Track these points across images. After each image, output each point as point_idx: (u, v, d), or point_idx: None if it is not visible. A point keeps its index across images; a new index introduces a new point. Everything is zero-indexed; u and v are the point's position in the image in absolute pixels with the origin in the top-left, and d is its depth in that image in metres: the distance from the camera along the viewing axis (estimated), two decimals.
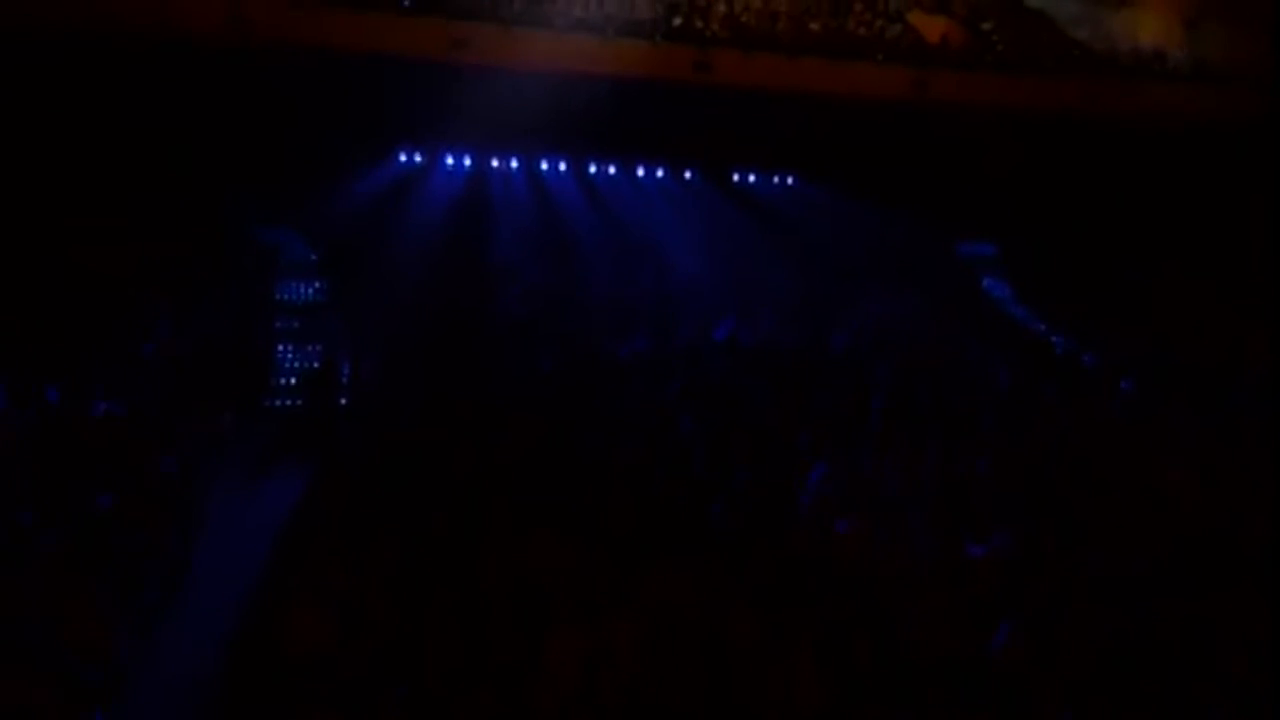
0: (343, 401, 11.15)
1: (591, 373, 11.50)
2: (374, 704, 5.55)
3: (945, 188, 14.59)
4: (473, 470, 8.14)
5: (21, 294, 10.09)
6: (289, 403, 11.44)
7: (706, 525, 7.61)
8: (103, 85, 10.71)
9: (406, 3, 11.16)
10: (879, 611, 6.55)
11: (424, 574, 6.67)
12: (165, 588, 6.91)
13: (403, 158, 14.18)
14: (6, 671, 5.13)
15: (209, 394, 9.83)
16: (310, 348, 12.12)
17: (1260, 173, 12.67)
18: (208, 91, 11.17)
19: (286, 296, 13.06)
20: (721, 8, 12.71)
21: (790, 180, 16.17)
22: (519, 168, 14.83)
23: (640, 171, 15.38)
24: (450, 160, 14.44)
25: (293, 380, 11.72)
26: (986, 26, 14.04)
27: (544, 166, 14.92)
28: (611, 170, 15.20)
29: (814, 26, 13.09)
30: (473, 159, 14.53)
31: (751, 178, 15.96)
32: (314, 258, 13.62)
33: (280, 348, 12.10)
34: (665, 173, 15.50)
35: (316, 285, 13.22)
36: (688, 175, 15.59)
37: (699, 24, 12.30)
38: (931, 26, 13.78)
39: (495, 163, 14.68)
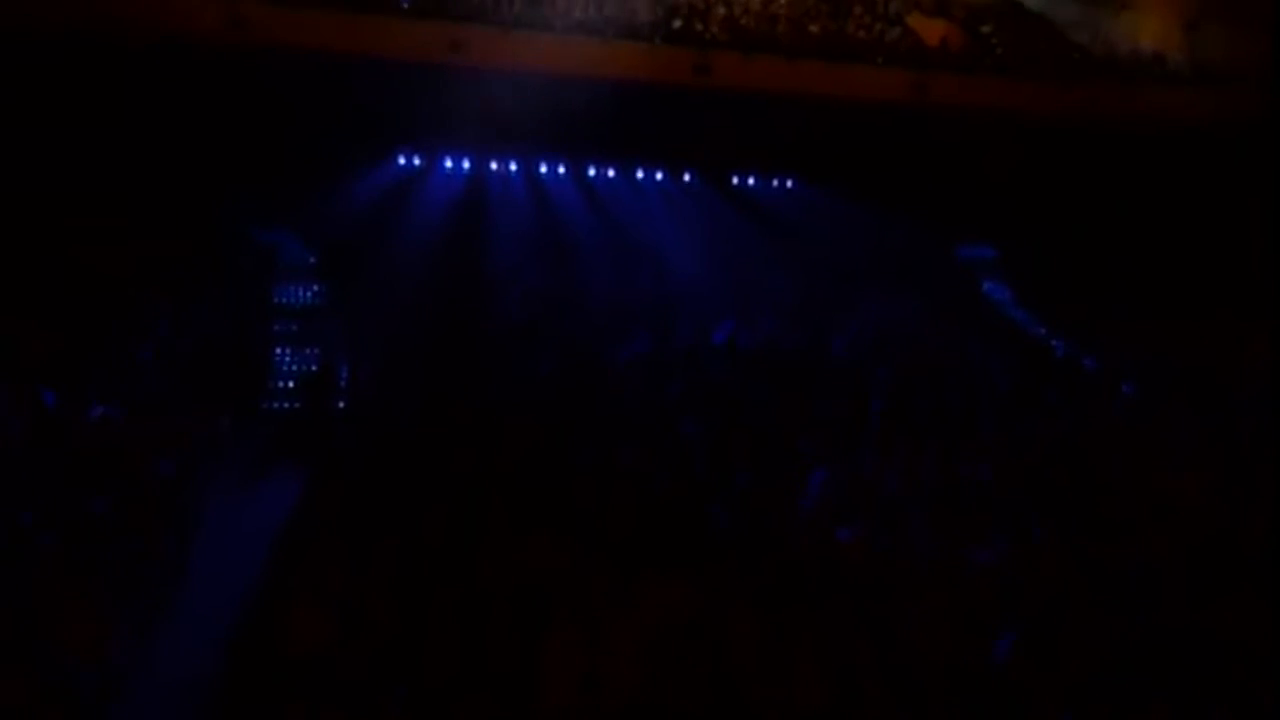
0: (340, 405, 11.12)
1: (591, 375, 11.47)
2: (373, 705, 5.53)
3: (945, 191, 14.57)
4: (471, 473, 8.12)
5: (17, 296, 10.04)
6: (287, 406, 11.40)
7: (706, 529, 7.58)
8: (100, 86, 10.68)
9: (405, 5, 11.15)
10: (881, 617, 6.53)
11: (423, 576, 6.65)
12: (162, 591, 6.87)
13: (401, 160, 14.15)
14: (3, 675, 5.09)
15: (206, 397, 9.79)
16: (308, 351, 12.08)
17: (1260, 176, 12.65)
18: (205, 93, 11.14)
19: (284, 299, 13.02)
20: (721, 10, 12.70)
21: (790, 183, 16.14)
22: (518, 170, 14.80)
23: (639, 174, 15.35)
24: (449, 163, 14.41)
25: (290, 383, 11.68)
26: (986, 30, 14.05)
27: (543, 169, 14.90)
28: (610, 173, 15.18)
29: (813, 29, 13.09)
30: (471, 162, 14.50)
31: (751, 180, 15.93)
32: (312, 260, 13.59)
33: (278, 350, 12.06)
34: (664, 175, 15.48)
35: (314, 288, 13.19)
36: (687, 178, 15.56)
37: (698, 27, 12.29)
38: (931, 29, 13.79)
39: (494, 165, 14.65)
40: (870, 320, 14.39)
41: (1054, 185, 14.31)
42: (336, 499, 7.80)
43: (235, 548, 7.61)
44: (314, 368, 11.75)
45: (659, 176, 15.44)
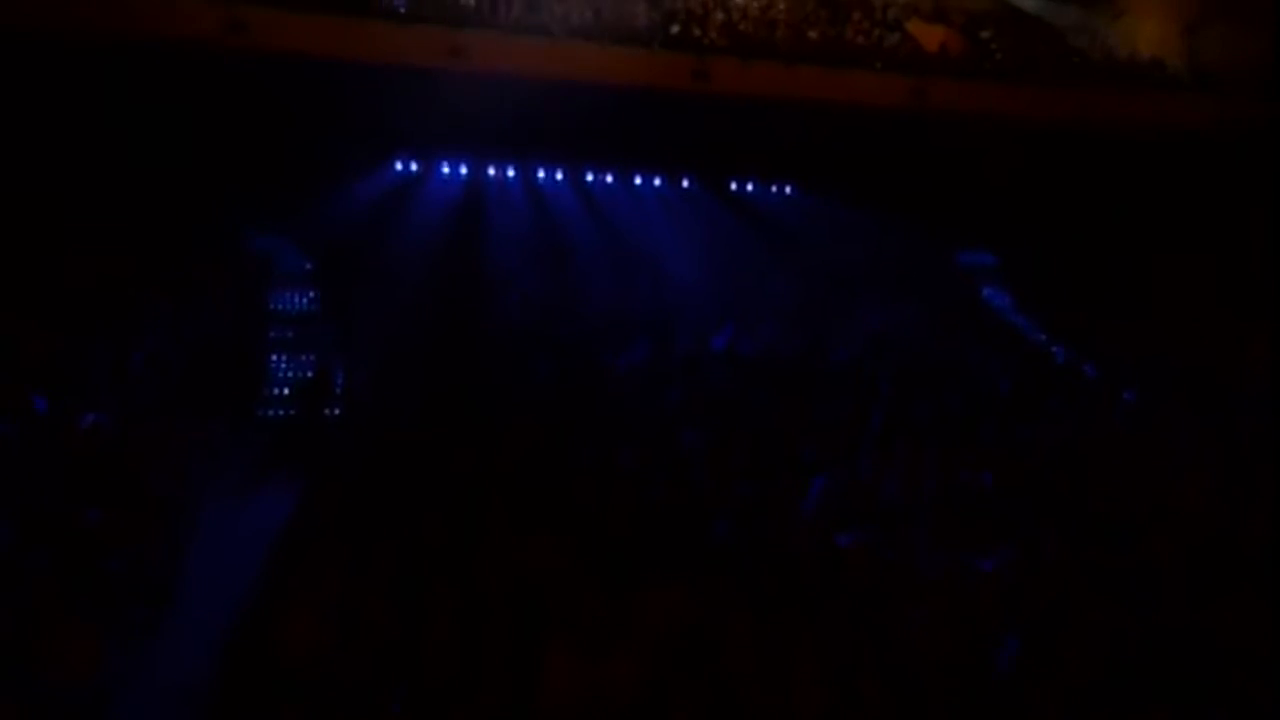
0: (336, 411, 11.06)
1: (589, 382, 11.42)
2: (372, 711, 5.47)
3: (944, 196, 14.55)
4: (469, 478, 8.07)
5: (9, 301, 9.98)
6: (282, 413, 11.34)
7: (706, 535, 7.52)
8: (97, 89, 10.64)
9: (403, 10, 11.12)
10: (882, 623, 6.47)
11: (421, 581, 6.59)
12: (155, 603, 6.79)
13: (398, 166, 14.11)
14: None
15: (201, 404, 9.72)
16: (304, 357, 12.03)
17: (1260, 180, 12.64)
18: (203, 98, 11.12)
19: (280, 306, 12.99)
20: (719, 16, 12.68)
21: (789, 189, 16.12)
22: (515, 176, 14.77)
23: (638, 180, 15.31)
24: (446, 169, 14.37)
25: (286, 390, 11.63)
26: (985, 35, 14.04)
27: (540, 175, 14.86)
28: (609, 178, 15.14)
29: (812, 35, 13.07)
30: (469, 167, 14.46)
31: (750, 186, 15.90)
32: (308, 267, 13.54)
33: (274, 357, 12.02)
34: (663, 181, 15.44)
35: (311, 294, 13.15)
36: (685, 184, 15.53)
37: (697, 32, 12.27)
38: (930, 35, 13.77)
39: (492, 171, 14.62)
40: (870, 326, 14.36)
41: (1053, 191, 14.30)
42: (333, 504, 7.75)
43: (231, 555, 7.52)
44: (310, 374, 11.70)
45: (657, 182, 15.41)
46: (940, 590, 6.92)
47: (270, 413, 11.36)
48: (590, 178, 15.06)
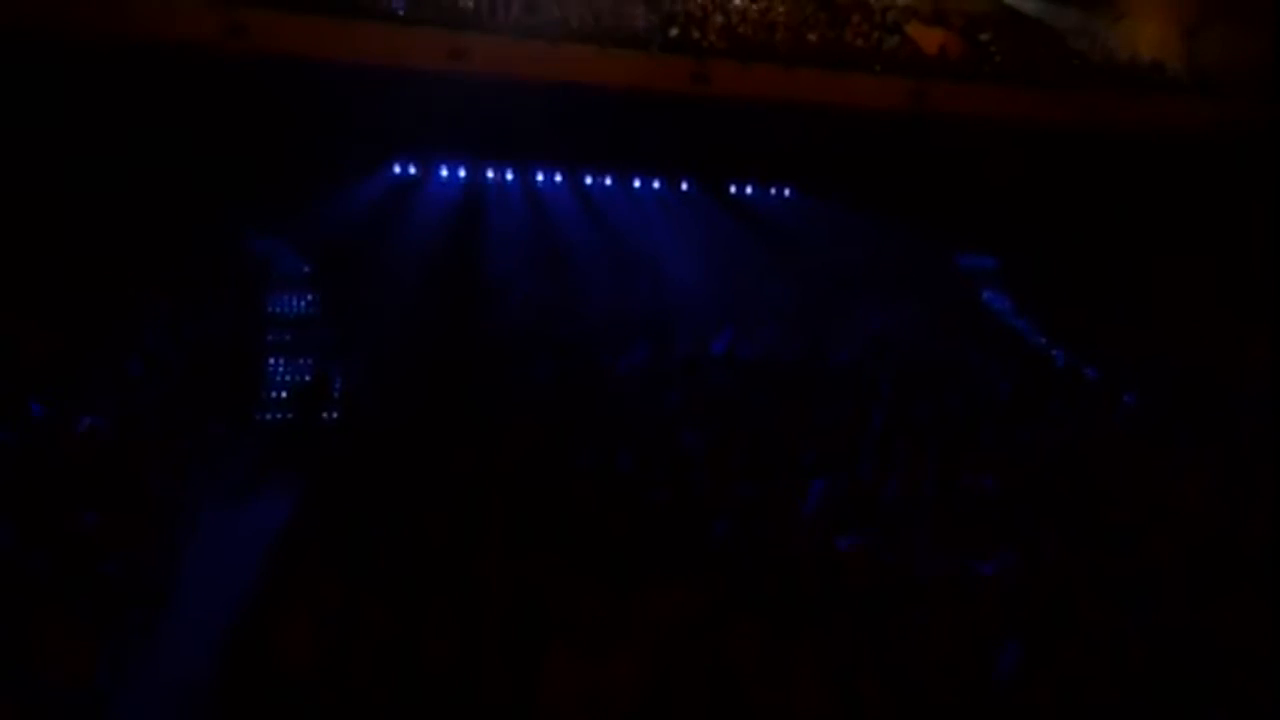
0: (334, 415, 11.03)
1: (589, 384, 11.39)
2: (370, 715, 5.43)
3: (944, 199, 14.54)
4: (468, 483, 8.03)
5: (7, 303, 9.96)
6: (280, 416, 11.30)
7: (706, 538, 7.49)
8: (95, 92, 10.61)
9: (402, 12, 11.11)
10: (883, 627, 6.44)
11: (419, 586, 6.56)
12: (152, 606, 6.76)
13: (397, 169, 14.09)
14: None
15: (198, 407, 9.70)
16: (302, 360, 12.00)
17: (1261, 183, 12.63)
18: (203, 101, 11.09)
19: (279, 309, 12.96)
20: (719, 19, 12.68)
21: (788, 192, 16.11)
22: (514, 179, 14.75)
23: (637, 183, 15.29)
24: (445, 172, 14.36)
25: (284, 393, 11.59)
26: (984, 37, 14.04)
27: (539, 178, 14.84)
28: (608, 181, 15.12)
29: (812, 38, 13.07)
30: (468, 170, 14.44)
31: (749, 189, 15.89)
32: (307, 270, 13.52)
33: (271, 360, 11.99)
34: (662, 184, 15.42)
35: (309, 298, 13.12)
36: (685, 186, 15.51)
37: (696, 35, 12.26)
38: (929, 38, 13.77)
39: (490, 174, 14.60)
40: (870, 329, 14.34)
41: (1053, 193, 14.28)
42: (331, 509, 7.71)
43: (227, 560, 7.50)
44: (308, 378, 11.67)
45: (656, 185, 15.39)
46: (940, 592, 6.90)
47: (268, 416, 11.34)
48: (589, 180, 15.04)
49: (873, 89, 12.75)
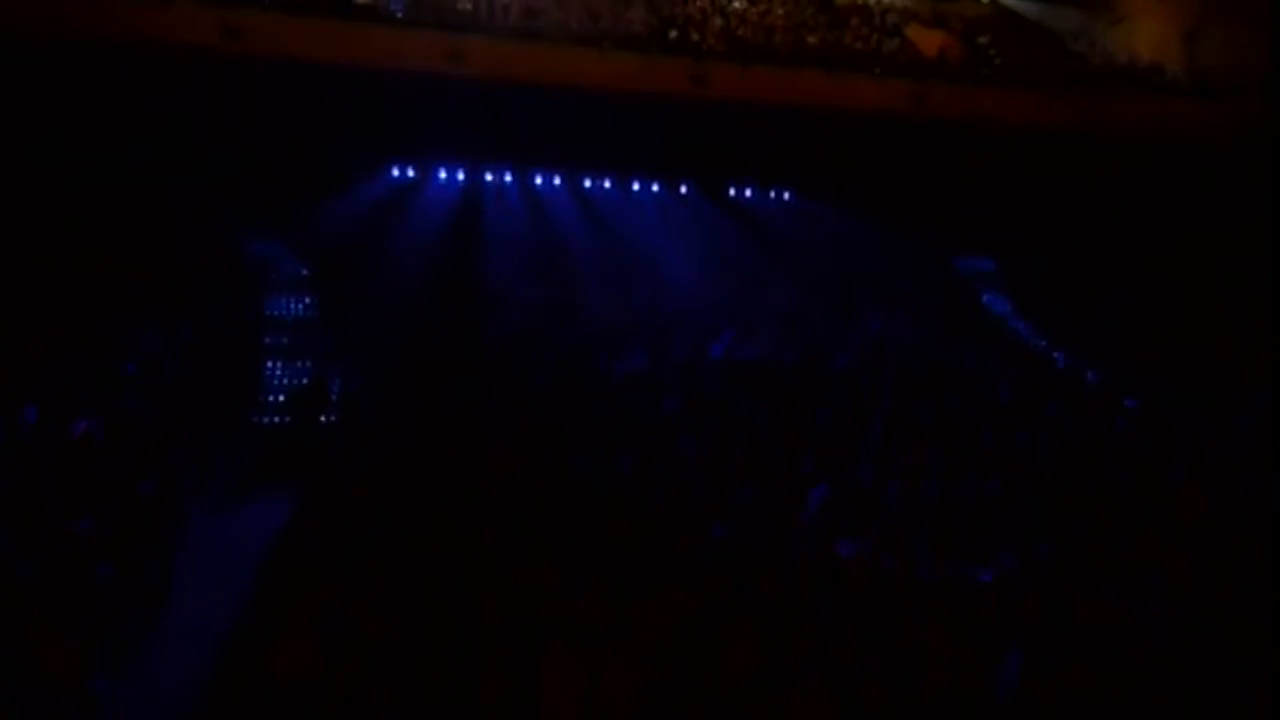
0: (332, 418, 10.99)
1: (588, 389, 11.36)
2: None
3: (944, 202, 14.51)
4: (466, 487, 8.00)
5: (3, 307, 9.92)
6: (277, 419, 11.26)
7: (706, 544, 7.45)
8: (92, 95, 10.58)
9: (401, 15, 11.08)
10: (882, 632, 6.40)
11: (416, 593, 6.52)
12: (145, 611, 6.70)
13: (395, 171, 14.05)
14: None
15: (195, 411, 9.65)
16: (300, 364, 11.96)
17: (1260, 185, 12.61)
18: (198, 104, 11.06)
19: (276, 311, 12.92)
20: (718, 21, 12.65)
21: (787, 195, 16.07)
22: (513, 182, 14.71)
23: (635, 186, 15.26)
24: (443, 174, 14.32)
25: (281, 397, 11.55)
26: (984, 40, 14.01)
27: (538, 181, 14.81)
28: (607, 184, 15.09)
29: (811, 40, 13.04)
30: (466, 173, 14.41)
31: (748, 192, 15.86)
32: (305, 272, 13.48)
33: (269, 364, 11.94)
34: (661, 187, 15.38)
35: (307, 300, 13.09)
36: (683, 189, 15.48)
37: (695, 37, 12.22)
38: (929, 40, 13.73)
39: (489, 177, 14.56)
40: (870, 332, 14.29)
41: (1053, 195, 14.25)
42: (327, 515, 7.67)
43: (222, 567, 7.46)
44: (305, 381, 11.63)
45: (655, 188, 15.35)
46: (940, 597, 6.87)
47: (265, 419, 11.28)
48: (588, 183, 15.00)
49: (872, 91, 12.69)
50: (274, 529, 7.86)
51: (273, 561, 7.40)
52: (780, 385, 11.85)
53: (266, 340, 12.36)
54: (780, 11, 13.21)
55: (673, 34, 12.08)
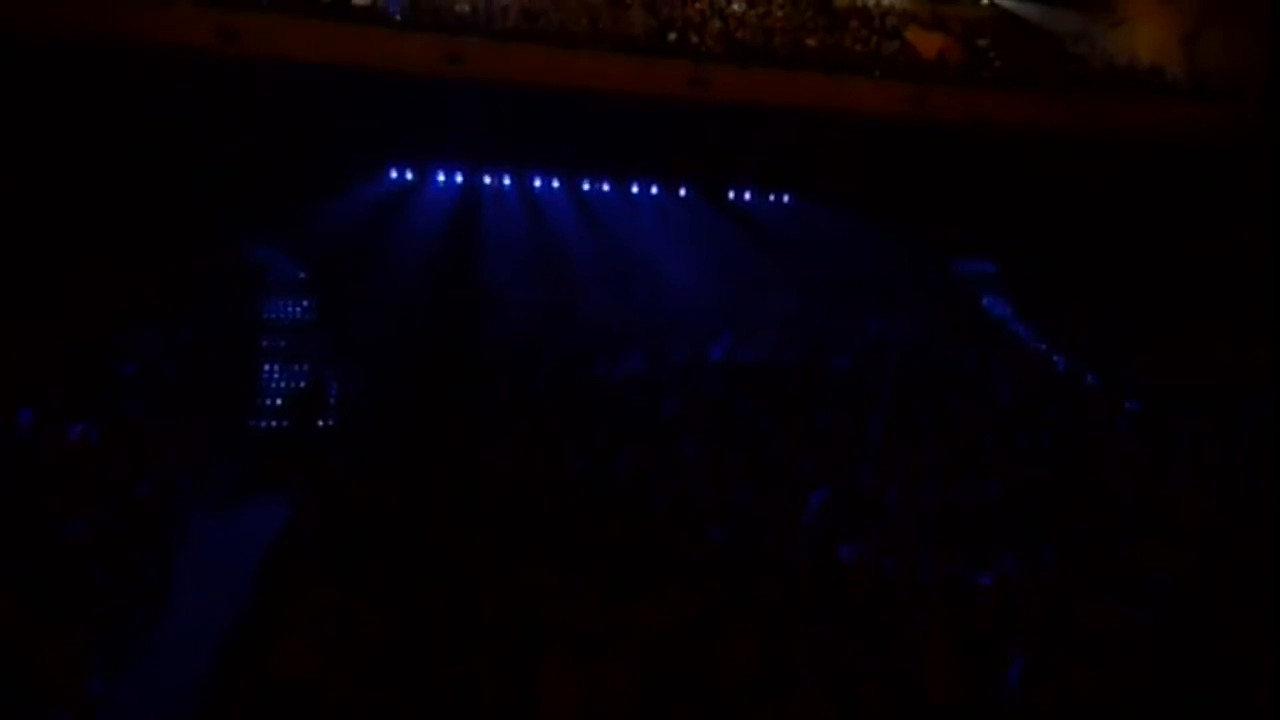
0: (330, 422, 10.96)
1: (586, 391, 11.34)
2: None
3: (943, 204, 14.50)
4: (464, 491, 7.97)
5: (1, 311, 9.90)
6: (275, 423, 11.23)
7: (705, 548, 7.43)
8: (88, 97, 10.58)
9: (399, 17, 11.07)
10: (884, 637, 6.37)
11: (415, 596, 6.49)
12: (143, 615, 6.68)
13: (393, 174, 14.04)
14: None
15: (193, 414, 9.63)
16: (297, 367, 11.94)
17: (1260, 187, 12.61)
18: (196, 105, 11.05)
19: (274, 315, 12.91)
20: (717, 23, 12.66)
21: (786, 197, 16.07)
22: (511, 184, 14.70)
23: (634, 188, 15.25)
24: (442, 177, 14.31)
25: (279, 400, 11.52)
26: (983, 43, 14.03)
27: (537, 183, 14.80)
28: (605, 187, 15.08)
29: (810, 42, 13.05)
30: (464, 176, 14.40)
31: (747, 195, 15.85)
32: (302, 275, 13.46)
33: (267, 367, 11.92)
34: (660, 189, 15.38)
35: (304, 303, 13.07)
36: (683, 192, 15.47)
37: (694, 39, 12.23)
38: (928, 43, 13.75)
39: (487, 180, 14.55)
40: (869, 335, 14.28)
41: (1053, 198, 14.25)
42: (325, 518, 7.64)
43: (220, 571, 7.43)
44: (303, 384, 11.61)
45: (654, 190, 15.34)
46: (940, 599, 6.84)
47: (263, 423, 11.25)
48: (587, 186, 14.99)
49: (872, 94, 12.70)
50: (273, 530, 7.83)
51: (272, 562, 7.36)
52: (780, 388, 11.83)
53: (264, 343, 12.34)
54: (779, 14, 13.23)
55: (672, 36, 12.08)
